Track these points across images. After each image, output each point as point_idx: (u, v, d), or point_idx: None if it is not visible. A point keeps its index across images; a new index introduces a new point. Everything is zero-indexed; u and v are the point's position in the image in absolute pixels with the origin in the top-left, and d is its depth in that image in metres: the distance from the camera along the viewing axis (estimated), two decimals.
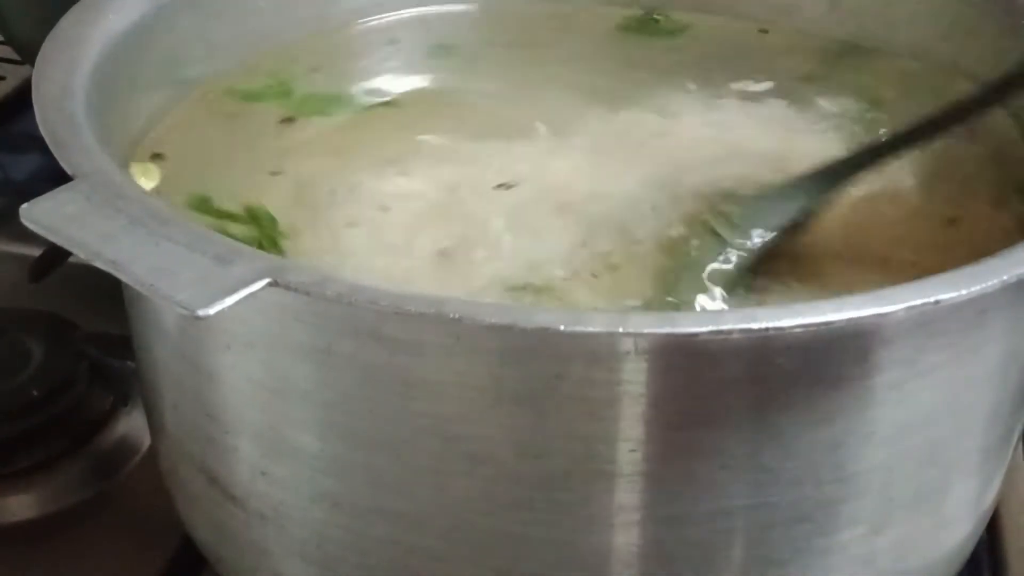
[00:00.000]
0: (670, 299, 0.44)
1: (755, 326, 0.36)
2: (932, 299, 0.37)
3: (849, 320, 0.36)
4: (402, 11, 0.63)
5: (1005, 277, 0.38)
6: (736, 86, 0.58)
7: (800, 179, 0.49)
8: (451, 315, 0.36)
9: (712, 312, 0.36)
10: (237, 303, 0.36)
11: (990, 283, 0.37)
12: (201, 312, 0.35)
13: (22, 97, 0.82)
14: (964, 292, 0.37)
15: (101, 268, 0.37)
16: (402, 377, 0.39)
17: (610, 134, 0.55)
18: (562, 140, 0.54)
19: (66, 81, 0.46)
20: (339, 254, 0.47)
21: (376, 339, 0.39)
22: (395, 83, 0.59)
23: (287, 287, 0.36)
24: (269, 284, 0.36)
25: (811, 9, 0.62)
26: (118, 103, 0.49)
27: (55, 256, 0.66)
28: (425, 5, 0.63)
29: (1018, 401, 0.45)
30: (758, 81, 0.58)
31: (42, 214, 0.38)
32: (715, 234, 0.47)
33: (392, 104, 0.57)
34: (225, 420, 0.43)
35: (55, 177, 0.40)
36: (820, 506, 0.42)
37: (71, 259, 0.64)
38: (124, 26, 0.51)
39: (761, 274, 0.47)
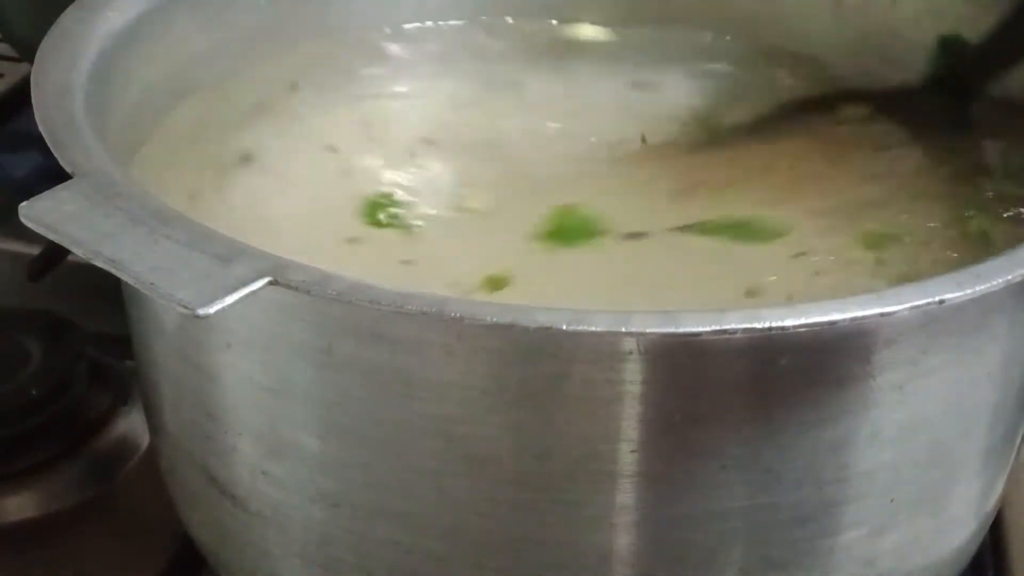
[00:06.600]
0: None
1: (758, 325, 0.36)
2: (936, 299, 0.37)
3: (853, 319, 0.36)
4: (407, 24, 0.63)
5: (1010, 277, 0.38)
6: None
7: None
8: (452, 314, 0.36)
9: (715, 312, 0.36)
10: (237, 302, 0.36)
11: (995, 282, 0.37)
12: (201, 311, 0.35)
13: (21, 95, 0.82)
14: (969, 292, 0.37)
15: (100, 267, 0.37)
16: (403, 377, 0.39)
17: None
18: None
19: (65, 79, 0.46)
20: None
21: (377, 338, 0.39)
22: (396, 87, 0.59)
23: (288, 286, 0.36)
24: (269, 283, 0.36)
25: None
26: (117, 101, 0.49)
27: (54, 255, 0.65)
28: (424, 20, 0.63)
29: (1022, 401, 0.45)
30: None
31: (41, 212, 0.38)
32: None
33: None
34: (225, 420, 0.43)
35: (54, 175, 0.40)
36: (822, 507, 0.41)
37: (70, 258, 0.64)
38: (123, 23, 0.50)
39: None
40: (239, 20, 0.57)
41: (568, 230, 0.51)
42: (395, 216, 0.52)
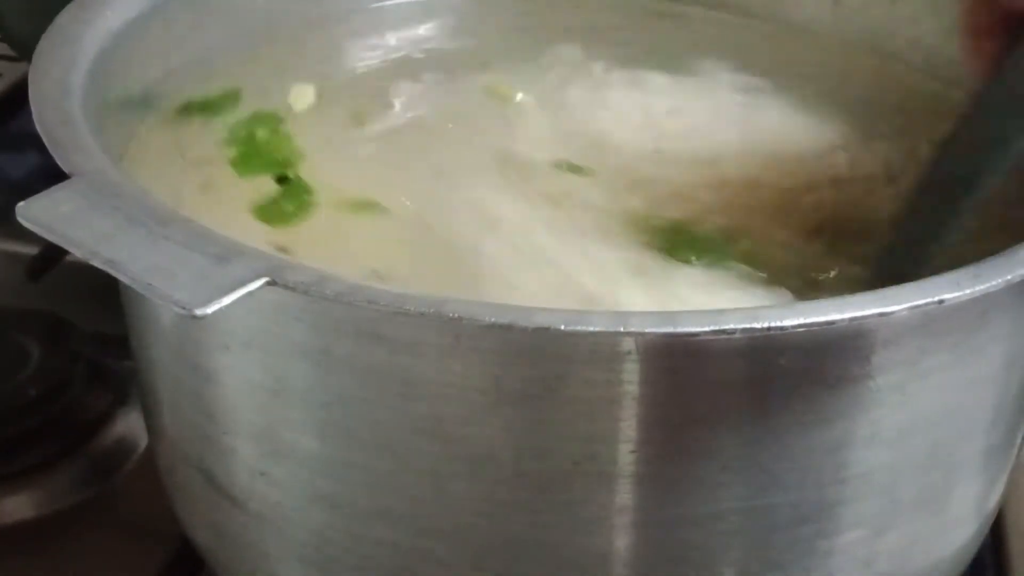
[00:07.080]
0: None
1: (757, 326, 0.36)
2: (936, 299, 0.37)
3: (852, 320, 0.36)
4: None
5: (1009, 276, 0.38)
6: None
7: None
8: (451, 315, 0.36)
9: (713, 312, 0.36)
10: (235, 302, 0.36)
11: (994, 282, 0.37)
12: (199, 311, 0.35)
13: (19, 94, 0.82)
14: (967, 292, 0.37)
15: (98, 267, 0.37)
16: (401, 377, 0.39)
17: None
18: None
19: (63, 78, 0.46)
20: None
21: (375, 339, 0.39)
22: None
23: (285, 286, 0.36)
24: (267, 283, 0.36)
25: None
26: (115, 101, 0.49)
27: (52, 255, 0.65)
28: None
29: (1021, 401, 0.45)
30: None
31: (39, 212, 0.38)
32: None
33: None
34: (223, 420, 0.43)
35: (52, 175, 0.40)
36: (821, 508, 0.41)
37: (68, 258, 0.64)
38: (121, 23, 0.50)
39: None
40: (238, 18, 0.57)
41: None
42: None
